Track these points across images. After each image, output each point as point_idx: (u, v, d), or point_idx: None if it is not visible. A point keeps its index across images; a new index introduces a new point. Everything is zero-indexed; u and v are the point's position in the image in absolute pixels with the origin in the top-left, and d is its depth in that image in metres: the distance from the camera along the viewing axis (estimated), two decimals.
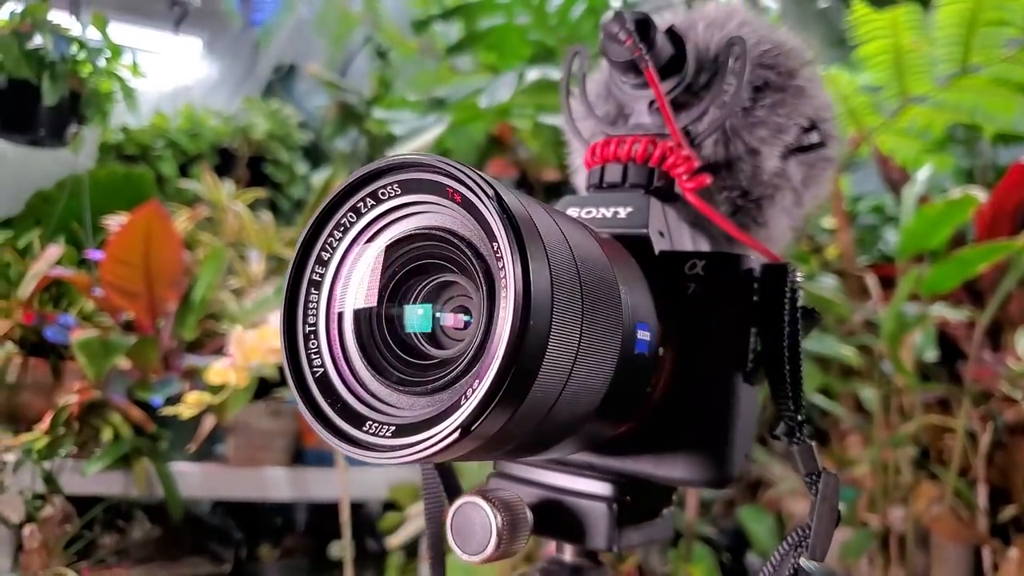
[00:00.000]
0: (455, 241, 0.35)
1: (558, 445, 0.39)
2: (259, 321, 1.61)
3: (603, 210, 0.48)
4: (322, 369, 0.37)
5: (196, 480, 1.66)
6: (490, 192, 0.33)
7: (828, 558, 1.63)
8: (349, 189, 0.37)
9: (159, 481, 1.59)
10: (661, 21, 0.52)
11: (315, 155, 2.66)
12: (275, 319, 1.59)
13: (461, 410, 0.31)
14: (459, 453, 0.33)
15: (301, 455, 1.78)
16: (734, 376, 0.44)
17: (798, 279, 0.44)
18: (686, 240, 0.49)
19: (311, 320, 0.38)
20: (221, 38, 2.82)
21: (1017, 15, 1.33)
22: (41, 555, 1.41)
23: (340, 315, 0.38)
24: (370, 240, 0.38)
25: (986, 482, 1.56)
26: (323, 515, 2.10)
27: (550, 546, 0.48)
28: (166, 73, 2.61)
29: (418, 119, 1.50)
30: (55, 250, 1.70)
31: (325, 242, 0.38)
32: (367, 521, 1.98)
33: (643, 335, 0.40)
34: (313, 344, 0.37)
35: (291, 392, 0.37)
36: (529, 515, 0.43)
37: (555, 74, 1.33)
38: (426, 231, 0.37)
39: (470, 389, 0.31)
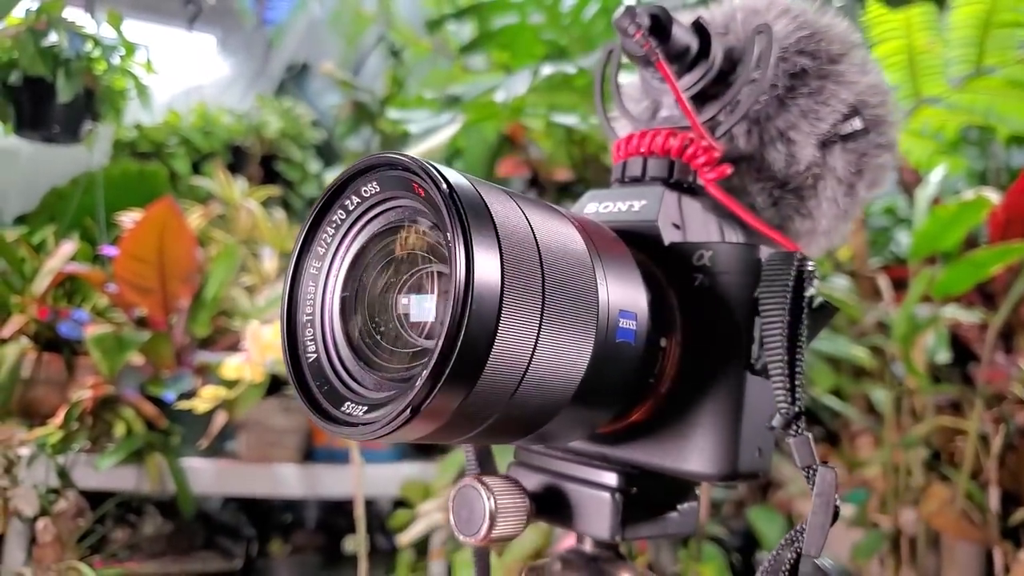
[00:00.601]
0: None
1: (545, 429, 0.40)
2: (272, 317, 1.61)
3: (619, 203, 0.49)
4: (315, 355, 0.40)
5: (208, 476, 1.67)
6: (442, 185, 0.34)
7: (839, 559, 1.63)
8: (338, 188, 0.39)
9: (171, 476, 1.60)
10: (691, 14, 0.52)
11: (327, 153, 2.67)
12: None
13: (414, 391, 0.33)
14: (422, 432, 0.35)
15: (312, 452, 1.79)
16: (739, 368, 0.44)
17: (809, 268, 0.43)
18: (712, 232, 0.49)
19: (308, 311, 0.40)
20: (234, 36, 2.83)
21: None
22: (55, 549, 1.42)
23: (332, 305, 0.40)
24: (358, 234, 0.40)
25: (998, 484, 1.55)
26: (334, 512, 2.11)
27: (571, 537, 0.49)
28: (180, 71, 2.62)
29: (432, 118, 1.50)
30: (69, 246, 1.71)
31: (320, 238, 0.40)
32: (378, 518, 1.99)
33: (627, 324, 0.41)
34: (309, 332, 0.40)
35: (288, 376, 0.40)
36: (526, 501, 0.44)
37: (570, 69, 1.33)
38: (397, 225, 0.39)
39: (424, 371, 0.33)
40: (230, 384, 1.46)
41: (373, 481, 1.65)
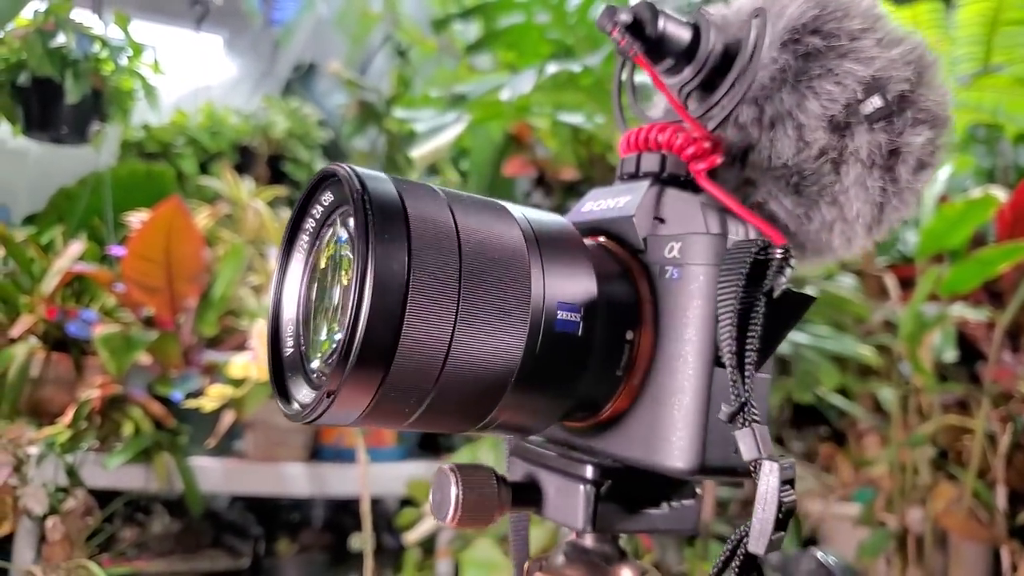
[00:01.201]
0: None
1: (499, 417, 0.43)
2: None
3: (610, 200, 0.50)
4: (292, 350, 0.43)
5: (215, 475, 1.68)
6: (355, 185, 0.38)
7: (845, 557, 1.63)
8: (306, 198, 0.43)
9: (179, 475, 1.60)
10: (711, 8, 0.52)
11: (334, 153, 2.67)
12: None
13: (331, 379, 0.37)
14: (352, 415, 0.39)
15: (319, 451, 1.80)
16: (706, 360, 0.44)
17: (773, 256, 0.42)
18: (697, 224, 0.48)
19: (291, 309, 0.44)
20: (242, 37, 2.84)
21: None
22: (64, 547, 1.42)
23: (304, 304, 0.44)
24: (320, 240, 0.44)
25: (1005, 483, 1.55)
26: (340, 511, 2.12)
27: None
28: (187, 71, 2.63)
29: (438, 117, 1.50)
30: (77, 246, 1.71)
31: (299, 243, 0.44)
32: (384, 517, 1.99)
33: (567, 316, 0.42)
34: (290, 329, 0.44)
35: (268, 366, 0.44)
36: (499, 489, 0.46)
37: (576, 68, 1.33)
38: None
39: (334, 358, 0.37)
40: (237, 383, 1.47)
41: (379, 480, 1.66)
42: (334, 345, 0.40)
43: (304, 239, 0.44)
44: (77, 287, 1.77)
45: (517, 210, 0.45)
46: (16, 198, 2.28)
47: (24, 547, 1.49)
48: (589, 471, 0.46)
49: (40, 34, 1.88)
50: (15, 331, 1.57)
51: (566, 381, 0.43)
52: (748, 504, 1.94)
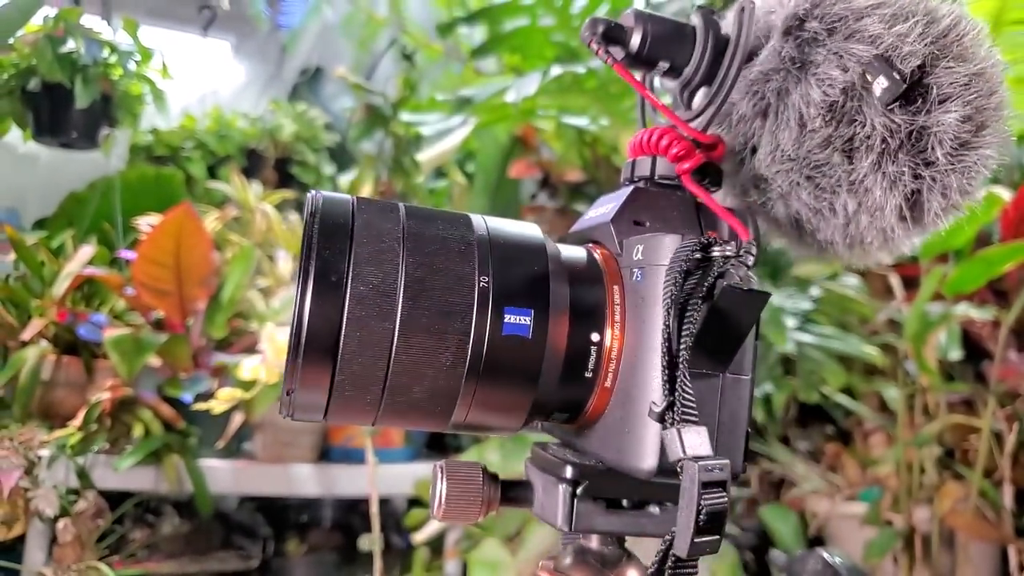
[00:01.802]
0: None
1: (463, 417, 0.46)
2: (287, 319, 1.63)
3: (602, 208, 0.52)
4: None
5: (225, 476, 1.69)
6: (310, 209, 0.43)
7: (852, 556, 1.63)
8: (308, 220, 0.46)
9: (188, 477, 1.61)
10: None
11: (341, 157, 2.68)
12: None
13: (287, 379, 0.42)
14: (315, 410, 0.44)
15: (328, 452, 1.80)
16: (659, 362, 0.44)
17: (719, 254, 0.42)
18: (677, 225, 0.49)
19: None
20: (249, 41, 2.85)
21: None
22: (74, 549, 1.44)
23: None
24: None
25: (1012, 482, 1.55)
26: (349, 511, 2.12)
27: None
28: (195, 76, 2.64)
29: (444, 120, 1.51)
30: (87, 250, 1.72)
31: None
32: (393, 517, 2.00)
33: (517, 319, 0.44)
34: None
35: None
36: (485, 485, 0.47)
37: (580, 70, 1.34)
38: None
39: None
40: (247, 385, 1.48)
41: (388, 480, 1.67)
42: None
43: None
44: (87, 291, 1.78)
45: (482, 222, 0.47)
46: (26, 202, 2.29)
47: (35, 549, 1.50)
48: (568, 471, 0.46)
49: (50, 40, 1.90)
50: (26, 334, 1.58)
51: (523, 381, 0.45)
52: (755, 504, 1.94)
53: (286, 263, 1.90)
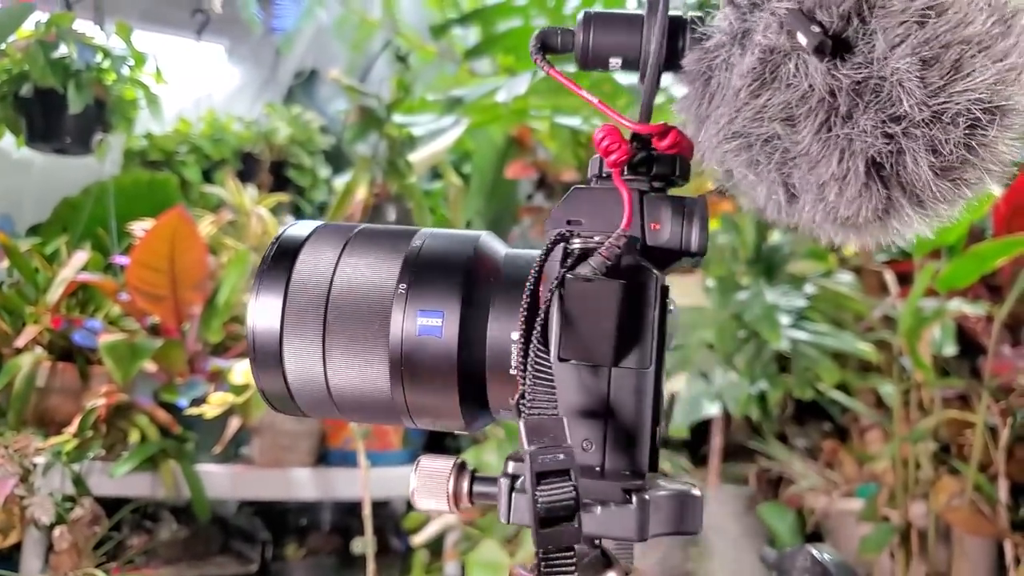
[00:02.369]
0: None
1: (410, 415, 0.50)
2: None
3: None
4: None
5: (222, 481, 1.69)
6: (272, 241, 0.51)
7: (849, 553, 1.63)
8: None
9: (186, 482, 1.61)
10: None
11: (337, 159, 2.68)
12: None
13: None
14: (293, 409, 0.52)
15: (325, 455, 1.81)
16: (553, 356, 0.45)
17: (574, 247, 0.42)
18: (600, 223, 0.48)
19: None
20: (243, 45, 2.85)
21: None
22: (71, 556, 1.43)
23: None
24: None
25: (1007, 476, 1.55)
26: (348, 514, 2.12)
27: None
28: (189, 80, 2.64)
29: (436, 120, 1.51)
30: (82, 256, 1.72)
31: None
32: (391, 519, 2.00)
33: (429, 321, 0.48)
34: None
35: None
36: (454, 479, 0.48)
37: (571, 68, 1.34)
38: None
39: None
40: (239, 390, 1.48)
41: (386, 483, 1.67)
42: None
43: None
44: (82, 296, 1.78)
45: (425, 234, 0.51)
46: (20, 209, 2.29)
47: (32, 557, 1.50)
48: (510, 465, 0.46)
49: (42, 45, 1.89)
50: (20, 341, 1.58)
51: (442, 379, 0.48)
52: (753, 501, 1.94)
53: None
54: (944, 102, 0.39)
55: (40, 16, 1.93)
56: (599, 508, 0.43)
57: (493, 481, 0.47)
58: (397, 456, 1.81)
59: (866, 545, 1.56)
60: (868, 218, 0.43)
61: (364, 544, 1.46)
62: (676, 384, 1.67)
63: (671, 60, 0.48)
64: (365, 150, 2.40)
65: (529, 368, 0.42)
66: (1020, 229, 1.56)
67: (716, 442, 1.83)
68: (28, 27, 1.92)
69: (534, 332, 0.42)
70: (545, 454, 0.39)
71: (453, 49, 2.14)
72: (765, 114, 0.42)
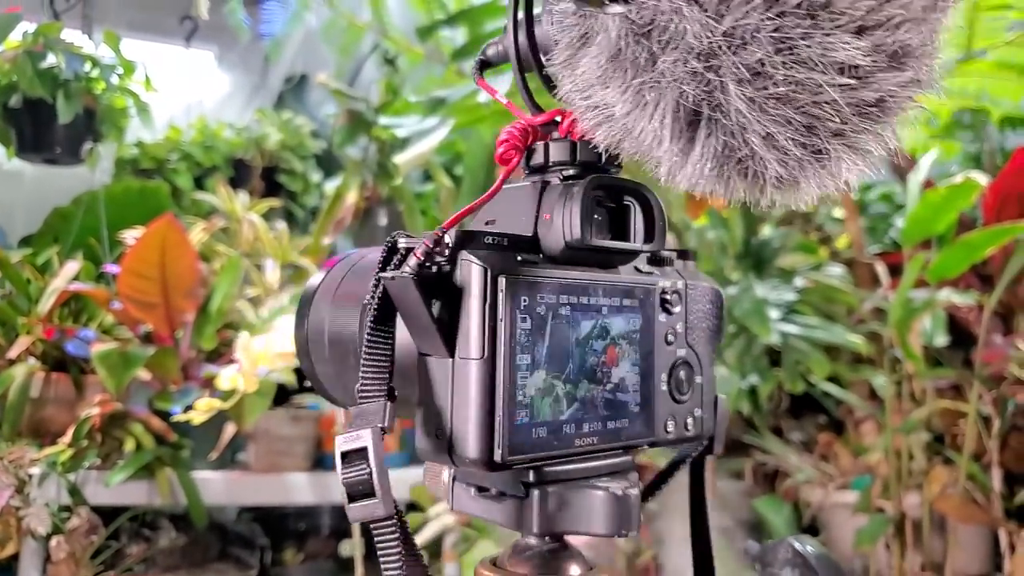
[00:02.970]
0: None
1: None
2: (275, 328, 1.63)
3: None
4: None
5: (219, 487, 1.69)
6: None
7: (844, 544, 1.63)
8: None
9: (182, 490, 1.62)
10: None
11: (328, 163, 2.69)
12: (282, 326, 1.62)
13: None
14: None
15: (321, 459, 1.80)
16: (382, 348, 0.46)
17: (407, 247, 0.43)
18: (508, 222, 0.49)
19: None
20: (232, 51, 2.85)
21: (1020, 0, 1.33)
22: (69, 566, 1.44)
23: None
24: None
25: (1000, 465, 1.56)
26: (345, 518, 2.12)
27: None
28: (179, 87, 2.64)
29: (420, 122, 1.52)
30: (73, 265, 1.73)
31: None
32: None
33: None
34: None
35: None
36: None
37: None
38: None
39: None
40: (226, 395, 1.48)
41: None
42: None
43: None
44: (74, 306, 1.78)
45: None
46: (11, 219, 2.29)
47: (29, 568, 1.50)
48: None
49: (30, 55, 1.90)
50: (13, 352, 1.58)
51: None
52: (750, 496, 1.94)
53: (274, 272, 1.90)
54: (734, 24, 0.32)
55: (28, 26, 1.93)
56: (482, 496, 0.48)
57: None
58: (395, 459, 1.81)
59: (861, 537, 1.56)
60: (716, 169, 0.36)
61: (352, 547, 1.46)
62: None
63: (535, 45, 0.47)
64: (355, 154, 2.40)
65: (362, 361, 0.43)
66: (1009, 218, 1.57)
67: None
68: (16, 37, 1.92)
69: (366, 328, 0.44)
70: (349, 434, 0.42)
71: (441, 51, 2.14)
72: (584, 80, 0.38)
